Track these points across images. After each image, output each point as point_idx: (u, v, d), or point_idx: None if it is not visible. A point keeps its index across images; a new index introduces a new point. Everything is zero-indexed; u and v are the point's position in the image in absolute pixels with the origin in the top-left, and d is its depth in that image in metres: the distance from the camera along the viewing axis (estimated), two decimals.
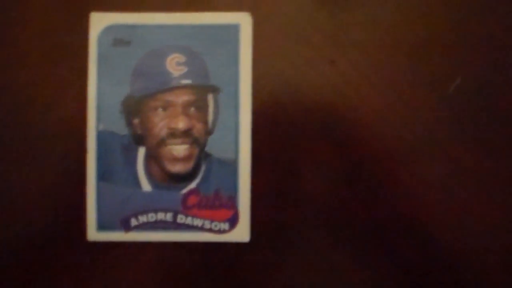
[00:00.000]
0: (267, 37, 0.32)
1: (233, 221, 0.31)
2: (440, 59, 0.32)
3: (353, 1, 0.32)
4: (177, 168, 0.31)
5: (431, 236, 0.32)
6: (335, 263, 0.32)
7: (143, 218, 0.31)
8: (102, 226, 0.31)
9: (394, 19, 0.32)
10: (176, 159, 0.31)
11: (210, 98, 0.31)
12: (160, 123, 0.31)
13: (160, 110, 0.31)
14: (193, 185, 0.31)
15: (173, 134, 0.31)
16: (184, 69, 0.31)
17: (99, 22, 0.31)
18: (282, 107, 0.32)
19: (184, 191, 0.31)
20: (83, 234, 0.31)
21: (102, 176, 0.31)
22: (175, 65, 0.31)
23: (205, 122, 0.31)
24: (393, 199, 0.32)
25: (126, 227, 0.31)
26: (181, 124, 0.31)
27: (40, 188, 0.32)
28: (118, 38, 0.31)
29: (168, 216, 0.31)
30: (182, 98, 0.31)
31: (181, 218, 0.31)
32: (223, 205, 0.31)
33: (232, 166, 0.31)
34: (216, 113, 0.31)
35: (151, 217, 0.31)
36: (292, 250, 0.32)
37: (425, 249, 0.32)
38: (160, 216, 0.31)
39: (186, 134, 0.31)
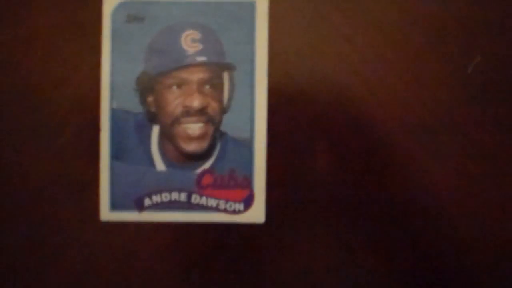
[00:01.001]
0: (284, 14, 0.31)
1: (248, 202, 0.31)
2: (458, 37, 0.31)
3: None
4: (192, 147, 0.31)
5: (447, 218, 0.31)
6: (350, 244, 0.31)
7: (157, 198, 0.31)
8: (115, 205, 0.31)
9: None
10: (190, 138, 0.31)
11: (226, 76, 0.31)
12: (175, 101, 0.30)
13: (174, 88, 0.30)
14: (207, 164, 0.31)
15: (188, 112, 0.30)
16: (199, 46, 0.30)
17: None
18: (298, 86, 0.31)
19: (199, 170, 0.31)
20: (96, 214, 0.31)
21: (115, 155, 0.31)
22: (190, 42, 0.30)
23: (220, 101, 0.31)
24: (410, 180, 0.31)
25: (140, 207, 0.31)
26: (196, 102, 0.30)
27: (52, 167, 0.31)
28: (131, 14, 0.31)
29: (182, 196, 0.31)
30: (197, 75, 0.30)
31: (195, 198, 0.31)
32: (238, 185, 0.31)
33: (247, 145, 0.31)
34: (232, 91, 0.31)
35: (165, 197, 0.31)
36: (307, 231, 0.32)
37: (441, 230, 0.31)
38: (174, 196, 0.31)
39: (201, 112, 0.30)
